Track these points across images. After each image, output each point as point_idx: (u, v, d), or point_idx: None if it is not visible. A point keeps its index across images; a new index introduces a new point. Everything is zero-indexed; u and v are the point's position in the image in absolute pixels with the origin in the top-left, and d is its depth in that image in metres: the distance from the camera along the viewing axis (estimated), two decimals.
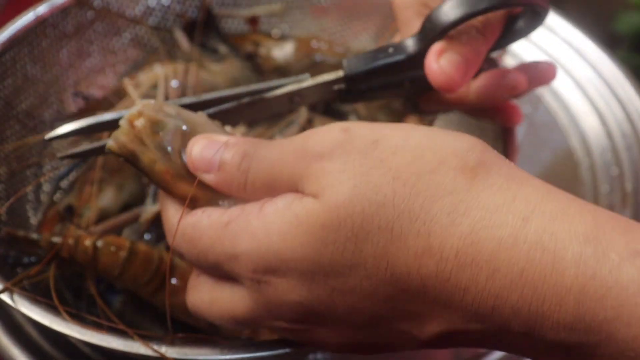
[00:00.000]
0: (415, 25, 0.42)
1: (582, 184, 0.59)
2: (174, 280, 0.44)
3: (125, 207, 0.52)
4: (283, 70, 0.58)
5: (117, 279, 0.44)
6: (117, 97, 0.55)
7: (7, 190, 0.49)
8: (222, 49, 0.60)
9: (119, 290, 0.49)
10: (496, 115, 0.47)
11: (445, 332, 0.29)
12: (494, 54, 0.48)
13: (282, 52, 0.59)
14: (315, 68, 0.59)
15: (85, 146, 0.40)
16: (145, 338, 0.37)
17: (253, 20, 0.62)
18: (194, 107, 0.39)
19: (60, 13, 0.53)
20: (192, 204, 0.35)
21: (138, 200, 0.52)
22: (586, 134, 0.63)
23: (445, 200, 0.28)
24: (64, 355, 0.48)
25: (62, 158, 0.40)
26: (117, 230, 0.50)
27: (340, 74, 0.41)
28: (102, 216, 0.51)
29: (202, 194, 0.34)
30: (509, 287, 0.27)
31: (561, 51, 0.67)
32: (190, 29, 0.60)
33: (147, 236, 0.50)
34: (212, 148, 0.34)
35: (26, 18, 0.51)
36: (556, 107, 0.65)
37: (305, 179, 0.30)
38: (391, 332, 0.31)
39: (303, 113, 0.57)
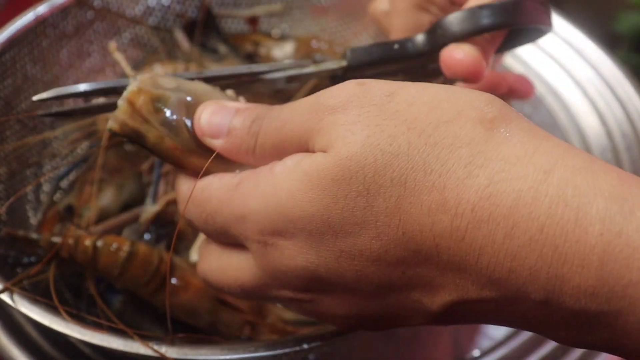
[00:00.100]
0: (409, 16, 0.43)
1: None
2: (174, 280, 0.44)
3: (125, 207, 0.52)
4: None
5: (117, 279, 0.44)
6: (117, 97, 0.55)
7: (7, 190, 0.49)
8: (222, 49, 0.60)
9: (119, 290, 0.49)
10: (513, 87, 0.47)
11: (457, 302, 0.28)
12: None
13: (282, 52, 0.59)
14: None
15: (78, 106, 0.39)
16: (145, 338, 0.37)
17: (253, 20, 0.62)
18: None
19: (60, 13, 0.53)
20: (204, 175, 0.34)
21: (138, 200, 0.52)
22: (586, 134, 0.63)
23: (462, 151, 0.26)
24: (64, 355, 0.48)
25: (43, 116, 0.40)
26: (117, 230, 0.50)
27: (343, 63, 0.41)
28: (102, 216, 0.51)
29: (213, 166, 0.34)
30: (528, 245, 0.25)
31: (561, 51, 0.67)
32: (190, 29, 0.60)
33: (147, 236, 0.50)
34: (221, 113, 0.33)
35: (26, 18, 0.51)
36: (556, 107, 0.65)
37: (316, 135, 0.29)
38: (400, 302, 0.29)
39: None
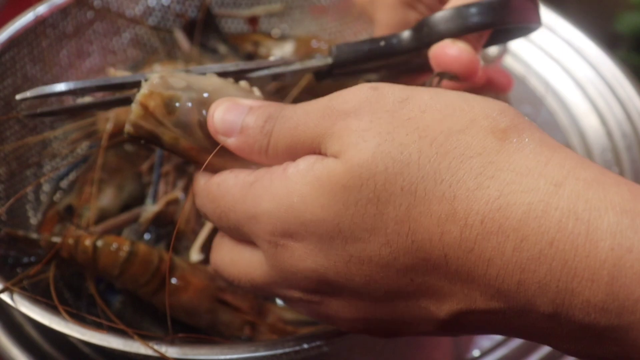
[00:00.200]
0: (395, 12, 0.43)
1: None
2: (174, 280, 0.44)
3: (125, 207, 0.52)
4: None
5: (117, 279, 0.44)
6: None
7: (7, 190, 0.49)
8: (222, 49, 0.60)
9: (119, 290, 0.49)
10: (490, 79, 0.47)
11: (464, 312, 0.28)
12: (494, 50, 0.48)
13: (282, 52, 0.59)
14: None
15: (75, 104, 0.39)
16: (145, 338, 0.37)
17: (253, 20, 0.62)
18: None
19: (60, 13, 0.53)
20: (220, 170, 0.34)
21: (138, 200, 0.52)
22: (586, 134, 0.63)
23: (474, 162, 0.26)
24: (64, 355, 0.48)
25: (29, 115, 0.40)
26: (117, 230, 0.50)
27: (328, 60, 0.42)
28: (102, 216, 0.51)
29: (229, 162, 0.34)
30: (537, 258, 0.25)
31: (561, 51, 0.67)
32: (190, 29, 0.60)
33: (147, 236, 0.50)
34: (234, 111, 0.33)
35: (26, 18, 0.51)
36: (556, 107, 0.65)
37: (328, 138, 0.29)
38: (408, 309, 0.29)
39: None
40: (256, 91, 0.38)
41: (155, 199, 0.50)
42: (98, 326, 0.38)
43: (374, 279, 0.28)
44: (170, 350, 0.37)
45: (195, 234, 0.49)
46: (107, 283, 0.49)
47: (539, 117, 0.64)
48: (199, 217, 0.49)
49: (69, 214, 0.50)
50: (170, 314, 0.41)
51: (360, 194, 0.27)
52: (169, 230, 0.50)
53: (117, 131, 0.51)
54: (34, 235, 0.45)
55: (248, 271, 0.33)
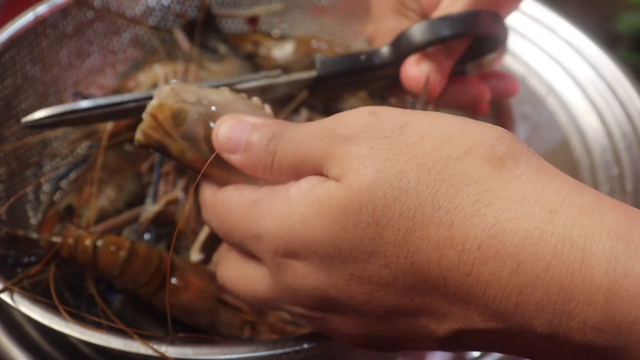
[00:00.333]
0: (389, 21, 0.45)
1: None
2: (174, 280, 0.44)
3: (126, 207, 0.52)
4: (283, 70, 0.58)
5: (117, 278, 0.44)
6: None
7: (7, 190, 0.49)
8: (222, 49, 0.60)
9: (119, 290, 0.49)
10: (496, 83, 0.49)
11: (463, 331, 0.28)
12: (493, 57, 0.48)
13: (282, 52, 0.59)
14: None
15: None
16: (145, 338, 0.37)
17: (253, 20, 0.62)
18: None
19: (60, 13, 0.53)
20: (225, 184, 0.35)
21: (138, 200, 0.52)
22: (586, 134, 0.63)
23: (470, 190, 0.27)
24: (64, 355, 0.48)
25: (27, 124, 0.41)
26: (117, 230, 0.50)
27: (313, 73, 0.44)
28: (102, 216, 0.51)
29: (234, 177, 0.35)
30: (534, 283, 0.25)
31: (561, 51, 0.67)
32: (190, 29, 0.60)
33: (147, 236, 0.50)
34: (239, 128, 0.34)
35: (26, 18, 0.51)
36: (556, 107, 0.65)
37: (330, 162, 0.30)
38: (408, 326, 0.30)
39: (303, 113, 0.57)
40: (267, 108, 0.39)
41: (155, 199, 0.50)
42: (98, 326, 0.38)
43: (374, 297, 0.29)
44: (170, 350, 0.37)
45: (195, 234, 0.49)
46: (107, 283, 0.49)
47: (539, 116, 0.64)
48: (199, 217, 0.49)
49: (69, 214, 0.50)
50: (170, 314, 0.41)
51: (360, 217, 0.28)
52: (169, 230, 0.50)
53: (117, 131, 0.51)
54: (34, 235, 0.45)
55: (253, 286, 0.34)
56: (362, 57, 0.44)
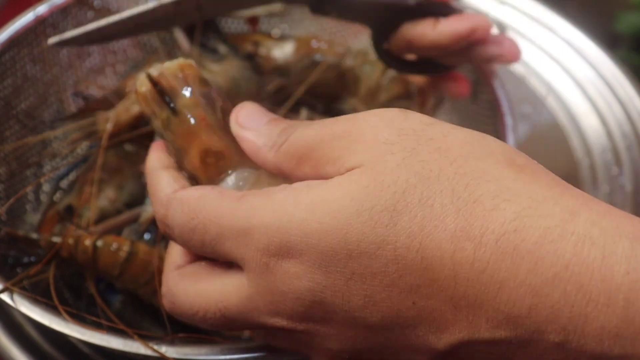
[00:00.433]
0: None
1: (582, 184, 0.59)
2: None
3: (126, 207, 0.52)
4: (283, 70, 0.58)
5: (117, 278, 0.44)
6: (117, 97, 0.55)
7: (7, 190, 0.49)
8: (222, 49, 0.60)
9: (119, 290, 0.49)
10: (446, 83, 0.51)
11: (465, 342, 0.27)
12: None
13: (282, 52, 0.59)
14: (315, 68, 0.59)
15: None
16: (145, 338, 0.37)
17: (253, 20, 0.62)
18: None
19: (60, 13, 0.53)
20: (194, 180, 0.34)
21: (138, 200, 0.52)
22: (586, 134, 0.63)
23: (491, 185, 0.27)
24: (64, 355, 0.48)
25: (55, 43, 0.41)
26: (117, 230, 0.50)
27: None
28: (102, 216, 0.51)
29: (223, 161, 0.34)
30: (552, 282, 0.24)
31: (561, 51, 0.67)
32: (190, 29, 0.60)
33: (147, 236, 0.50)
34: (262, 112, 0.34)
35: (26, 18, 0.51)
36: (556, 107, 0.65)
37: (353, 152, 0.29)
38: (403, 337, 0.28)
39: (303, 113, 0.57)
40: None
41: None
42: (98, 326, 0.38)
43: (373, 300, 0.28)
44: (170, 350, 0.37)
45: None
46: (107, 283, 0.49)
47: (539, 116, 0.64)
48: None
49: (69, 214, 0.50)
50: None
51: (378, 199, 0.27)
52: None
53: (117, 131, 0.51)
54: (34, 235, 0.45)
55: (220, 298, 0.31)
56: None
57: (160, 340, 0.37)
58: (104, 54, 0.57)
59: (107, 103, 0.54)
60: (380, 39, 0.48)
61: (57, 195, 0.54)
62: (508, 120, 0.51)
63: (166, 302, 0.33)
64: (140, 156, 0.53)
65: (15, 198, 0.48)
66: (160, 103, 0.35)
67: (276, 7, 0.62)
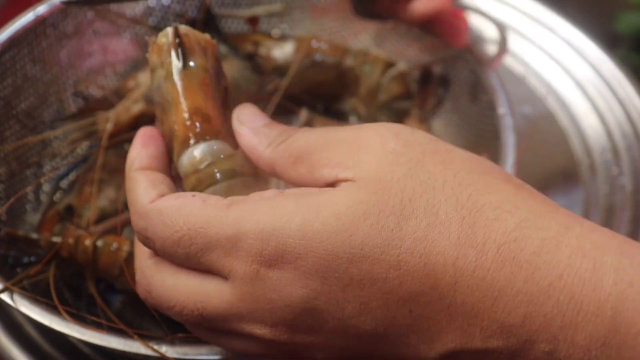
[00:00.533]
0: None
1: (582, 184, 0.59)
2: None
3: (126, 207, 0.52)
4: (283, 70, 0.58)
5: (117, 278, 0.44)
6: (117, 97, 0.55)
7: (7, 190, 0.49)
8: (222, 49, 0.60)
9: (119, 290, 0.49)
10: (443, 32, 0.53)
11: (457, 352, 0.27)
12: None
13: (282, 52, 0.59)
14: (315, 68, 0.59)
15: None
16: (145, 338, 0.37)
17: (253, 20, 0.62)
18: None
19: (60, 13, 0.53)
20: (169, 140, 0.34)
21: None
22: (586, 134, 0.63)
23: (493, 196, 0.28)
24: (64, 355, 0.48)
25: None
26: (117, 230, 0.50)
27: None
28: (102, 216, 0.51)
29: (211, 115, 0.33)
30: (546, 291, 0.26)
31: (561, 51, 0.67)
32: None
33: None
34: (260, 115, 0.34)
35: (26, 18, 0.51)
36: (556, 107, 0.65)
37: (358, 158, 0.29)
38: (394, 346, 0.28)
39: (303, 113, 0.57)
40: None
41: None
42: (98, 326, 0.38)
43: (369, 307, 0.27)
44: (170, 350, 0.37)
45: None
46: (107, 283, 0.49)
47: (539, 117, 0.64)
48: None
49: (69, 214, 0.50)
50: None
51: (386, 205, 0.27)
52: None
53: (117, 131, 0.51)
54: (34, 235, 0.45)
55: (200, 298, 0.29)
56: None
57: (160, 340, 0.37)
58: (104, 54, 0.57)
59: (107, 103, 0.54)
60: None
61: (57, 195, 0.54)
62: (508, 120, 0.51)
63: (141, 290, 0.32)
64: None
65: (15, 198, 0.48)
66: (174, 54, 0.34)
67: (276, 7, 0.62)
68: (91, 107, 0.55)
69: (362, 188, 0.28)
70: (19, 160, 0.51)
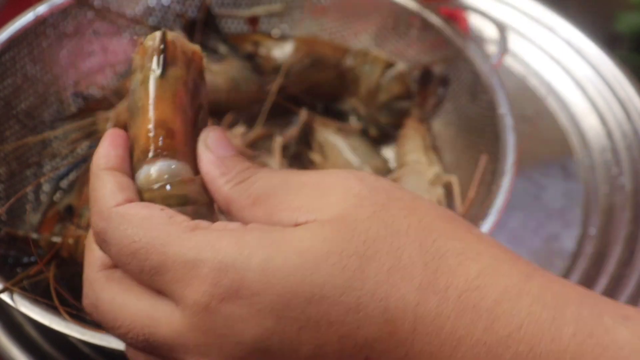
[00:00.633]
0: None
1: (582, 184, 0.59)
2: None
3: None
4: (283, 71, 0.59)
5: None
6: (117, 97, 0.55)
7: (7, 190, 0.49)
8: (222, 49, 0.60)
9: None
10: None
11: None
12: None
13: (282, 52, 0.59)
14: (315, 68, 0.59)
15: None
16: None
17: (253, 20, 0.62)
18: None
19: (60, 13, 0.53)
20: (131, 150, 0.33)
21: None
22: (586, 134, 0.63)
23: (457, 243, 0.28)
24: (64, 355, 0.48)
25: None
26: None
27: None
28: None
29: (176, 132, 0.32)
30: (505, 342, 0.25)
31: (561, 51, 0.67)
32: (190, 29, 0.60)
33: None
34: (230, 146, 0.32)
35: (26, 18, 0.51)
36: (556, 107, 0.65)
37: (319, 203, 0.28)
38: None
39: (303, 113, 0.58)
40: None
41: None
42: (98, 326, 0.38)
43: (323, 350, 0.26)
44: None
45: None
46: None
47: (539, 117, 0.64)
48: None
49: (69, 214, 0.50)
50: None
51: (349, 244, 0.27)
52: None
53: None
54: (34, 235, 0.45)
55: (147, 323, 0.27)
56: None
57: None
58: (104, 54, 0.57)
59: (107, 103, 0.54)
60: None
61: (57, 195, 0.54)
62: (508, 120, 0.51)
63: (88, 304, 0.30)
64: None
65: (15, 198, 0.48)
66: (156, 60, 0.34)
67: (276, 7, 0.62)
68: (91, 107, 0.55)
69: (326, 226, 0.27)
70: (19, 160, 0.51)
